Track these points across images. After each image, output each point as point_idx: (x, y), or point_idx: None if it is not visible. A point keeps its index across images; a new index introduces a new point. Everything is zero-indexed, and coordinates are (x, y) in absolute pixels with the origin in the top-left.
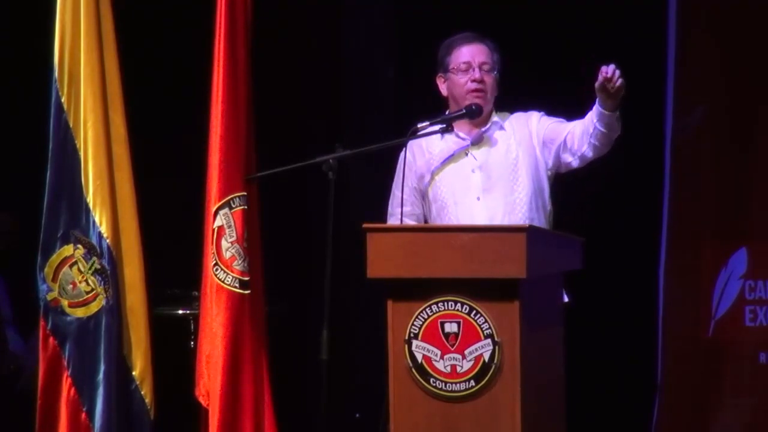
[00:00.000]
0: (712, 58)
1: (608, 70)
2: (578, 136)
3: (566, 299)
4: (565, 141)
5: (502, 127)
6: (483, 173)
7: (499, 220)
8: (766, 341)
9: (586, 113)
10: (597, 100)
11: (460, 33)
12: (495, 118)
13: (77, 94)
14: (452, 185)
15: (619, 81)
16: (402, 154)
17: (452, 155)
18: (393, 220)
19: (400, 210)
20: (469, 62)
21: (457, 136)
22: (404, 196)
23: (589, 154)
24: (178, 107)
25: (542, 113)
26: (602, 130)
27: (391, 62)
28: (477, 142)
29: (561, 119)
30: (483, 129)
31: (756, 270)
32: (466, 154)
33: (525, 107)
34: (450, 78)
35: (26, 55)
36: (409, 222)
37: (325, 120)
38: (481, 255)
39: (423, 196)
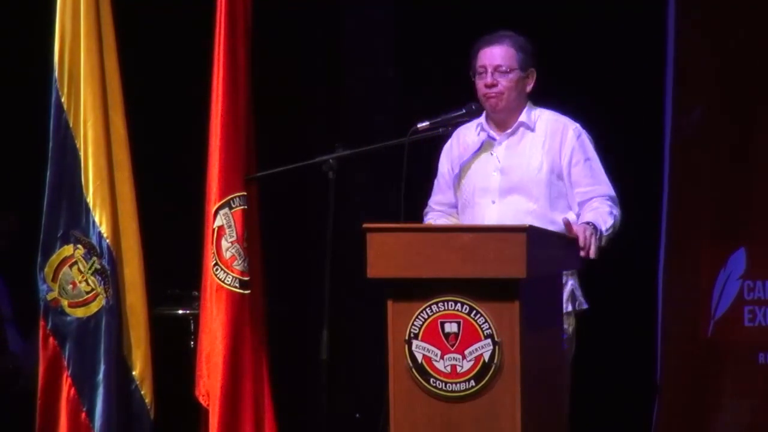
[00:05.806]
0: (710, 58)
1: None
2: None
3: (585, 305)
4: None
5: (531, 129)
6: (503, 177)
7: None
8: (766, 341)
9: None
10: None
11: (467, 32)
12: (523, 117)
13: (77, 94)
14: (474, 183)
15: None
16: (448, 141)
17: (477, 151)
18: (426, 209)
19: (436, 198)
20: (484, 66)
21: (488, 133)
22: (439, 183)
23: None
24: (178, 107)
25: (578, 136)
26: None
27: (391, 62)
28: (503, 142)
29: (588, 170)
30: (509, 130)
31: (755, 270)
32: (491, 154)
33: None
34: (475, 81)
35: (26, 55)
36: (438, 210)
37: (325, 120)
38: (481, 255)
39: (454, 186)
